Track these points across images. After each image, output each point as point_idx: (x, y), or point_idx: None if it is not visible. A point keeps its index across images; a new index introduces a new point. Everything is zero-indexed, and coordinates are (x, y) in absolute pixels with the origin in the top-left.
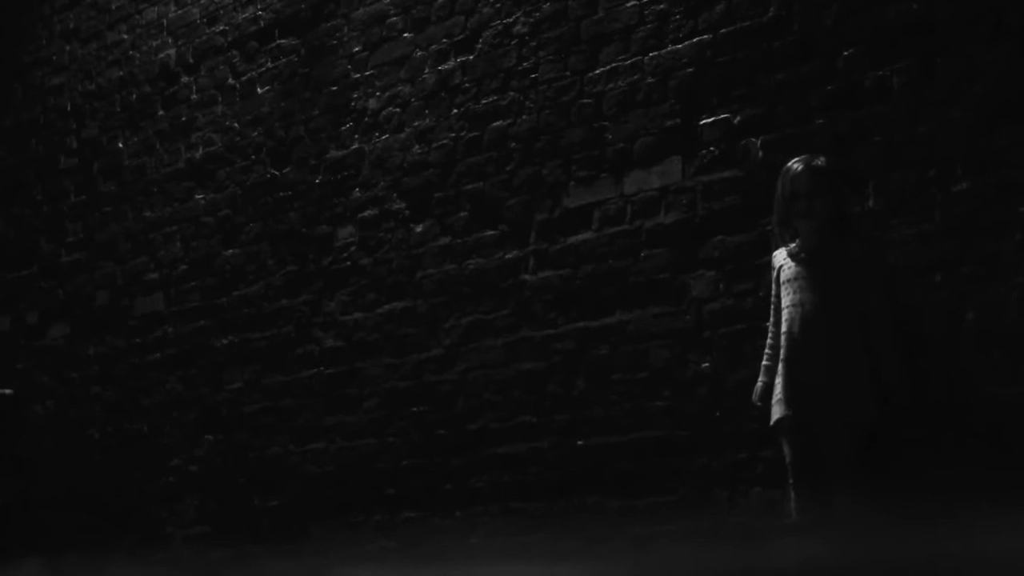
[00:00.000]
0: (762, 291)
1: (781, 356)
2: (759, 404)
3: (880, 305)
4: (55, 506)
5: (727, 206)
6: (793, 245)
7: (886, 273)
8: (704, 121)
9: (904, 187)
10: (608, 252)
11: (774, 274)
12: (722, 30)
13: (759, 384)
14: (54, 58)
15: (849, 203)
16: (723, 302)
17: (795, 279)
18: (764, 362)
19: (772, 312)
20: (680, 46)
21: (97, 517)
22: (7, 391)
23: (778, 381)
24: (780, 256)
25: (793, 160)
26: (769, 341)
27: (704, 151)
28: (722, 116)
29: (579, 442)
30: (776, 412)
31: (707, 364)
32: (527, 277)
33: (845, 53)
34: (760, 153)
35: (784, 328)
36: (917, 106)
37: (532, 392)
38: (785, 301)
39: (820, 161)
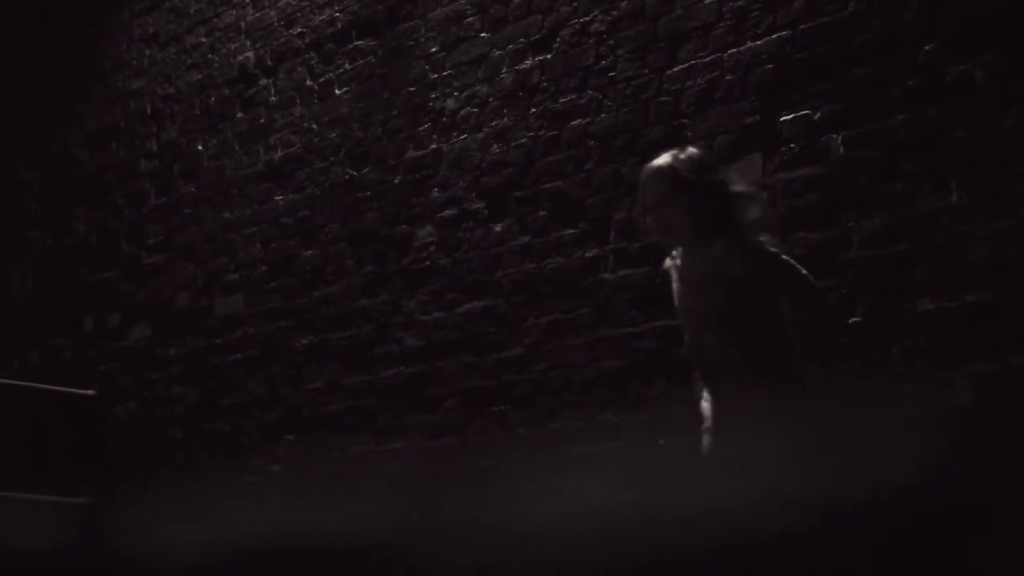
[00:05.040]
0: (844, 288)
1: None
2: None
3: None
4: (139, 505)
5: (808, 203)
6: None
7: (788, 286)
8: (784, 118)
9: (988, 183)
10: None
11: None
12: (801, 26)
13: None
14: (134, 62)
15: (725, 207)
16: None
17: (680, 300)
18: None
19: None
20: (759, 42)
21: (181, 516)
22: (90, 392)
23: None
24: (668, 262)
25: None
26: None
27: (784, 148)
28: (802, 112)
29: (660, 441)
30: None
31: None
32: (607, 275)
33: (927, 47)
34: (841, 149)
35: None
36: (1002, 100)
37: (613, 391)
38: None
39: (668, 159)
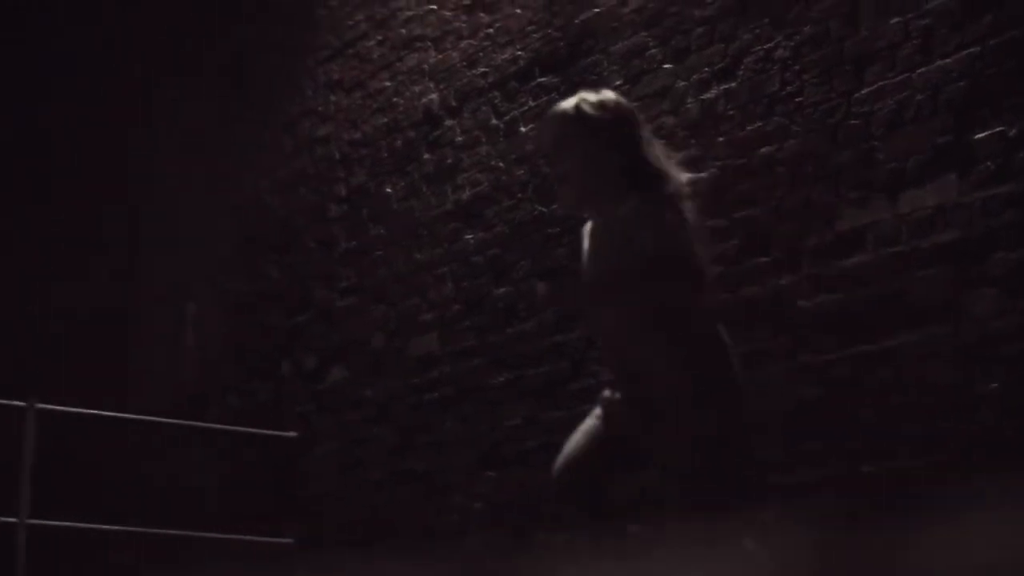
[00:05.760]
0: None
1: None
2: None
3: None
4: (342, 545)
5: (1006, 222)
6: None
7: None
8: (978, 136)
9: None
10: (884, 273)
11: None
12: (991, 41)
13: None
14: (320, 109)
15: (639, 163)
16: (1007, 320)
17: (583, 267)
18: None
19: None
20: (948, 60)
21: (384, 554)
22: (292, 434)
23: None
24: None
25: None
26: None
27: (980, 166)
28: (996, 129)
29: (865, 469)
30: None
31: (995, 385)
32: (802, 303)
33: None
34: None
35: None
36: None
37: (813, 419)
38: None
39: (571, 101)
